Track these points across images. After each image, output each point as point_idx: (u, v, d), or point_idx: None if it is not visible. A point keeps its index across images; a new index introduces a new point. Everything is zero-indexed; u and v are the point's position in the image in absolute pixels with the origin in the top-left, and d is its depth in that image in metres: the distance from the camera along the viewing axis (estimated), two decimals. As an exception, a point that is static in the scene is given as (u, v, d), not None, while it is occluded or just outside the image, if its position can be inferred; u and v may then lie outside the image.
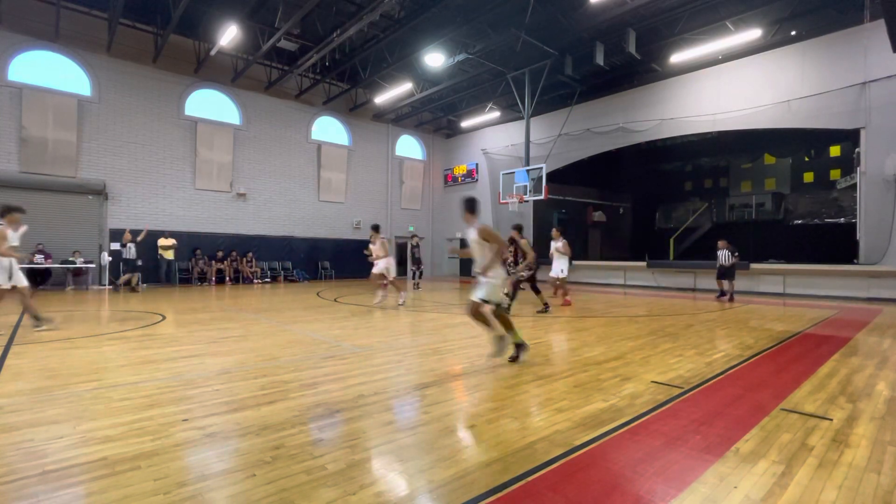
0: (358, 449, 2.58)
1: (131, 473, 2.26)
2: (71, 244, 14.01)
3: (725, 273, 11.77)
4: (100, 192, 14.57)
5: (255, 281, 17.17)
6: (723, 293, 11.91)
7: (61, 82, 14.13)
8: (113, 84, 14.88)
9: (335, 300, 11.19)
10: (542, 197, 15.99)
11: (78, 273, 14.15)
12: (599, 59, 14.50)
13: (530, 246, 8.76)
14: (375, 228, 9.95)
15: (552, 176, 17.59)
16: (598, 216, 23.24)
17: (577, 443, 2.66)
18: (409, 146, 23.51)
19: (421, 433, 2.83)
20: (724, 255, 11.75)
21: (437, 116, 22.63)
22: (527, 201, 17.04)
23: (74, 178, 14.20)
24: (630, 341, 5.92)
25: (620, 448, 2.61)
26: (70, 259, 13.86)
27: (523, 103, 16.97)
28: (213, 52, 14.52)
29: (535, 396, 3.59)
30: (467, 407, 3.38)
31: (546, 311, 8.63)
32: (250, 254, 17.33)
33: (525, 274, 8.76)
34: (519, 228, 8.92)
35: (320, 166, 19.85)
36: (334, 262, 19.84)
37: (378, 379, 4.06)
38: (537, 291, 9.06)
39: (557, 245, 10.40)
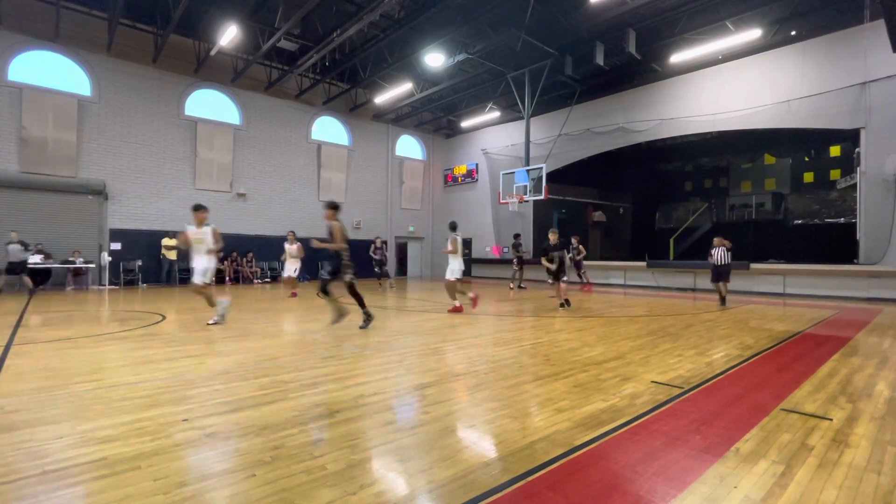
0: (358, 449, 2.58)
1: (131, 473, 2.26)
2: (71, 244, 14.02)
3: (721, 274, 10.32)
4: (100, 192, 14.57)
5: (255, 281, 17.17)
6: (724, 300, 10.46)
7: (61, 82, 14.14)
8: (113, 84, 14.88)
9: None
10: (542, 197, 15.99)
11: (78, 273, 14.15)
12: (599, 59, 14.51)
13: (343, 231, 6.59)
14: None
15: (552, 176, 17.61)
16: (598, 216, 23.24)
17: (577, 443, 2.66)
18: (409, 146, 23.51)
19: (421, 433, 2.83)
20: (719, 254, 10.21)
21: (437, 116, 22.63)
22: (527, 201, 17.05)
23: (74, 177, 14.21)
24: (630, 341, 5.92)
25: (620, 448, 2.61)
26: (70, 259, 13.87)
27: (523, 103, 16.98)
28: (213, 53, 14.52)
29: (536, 396, 3.59)
30: (467, 407, 3.38)
31: (339, 321, 6.85)
32: (250, 254, 17.33)
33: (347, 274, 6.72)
34: (332, 206, 6.63)
35: (320, 166, 19.85)
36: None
37: (378, 379, 4.06)
38: (328, 294, 6.79)
39: (446, 244, 8.93)
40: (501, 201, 17.90)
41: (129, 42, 14.88)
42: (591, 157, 18.45)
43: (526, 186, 16.50)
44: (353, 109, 20.42)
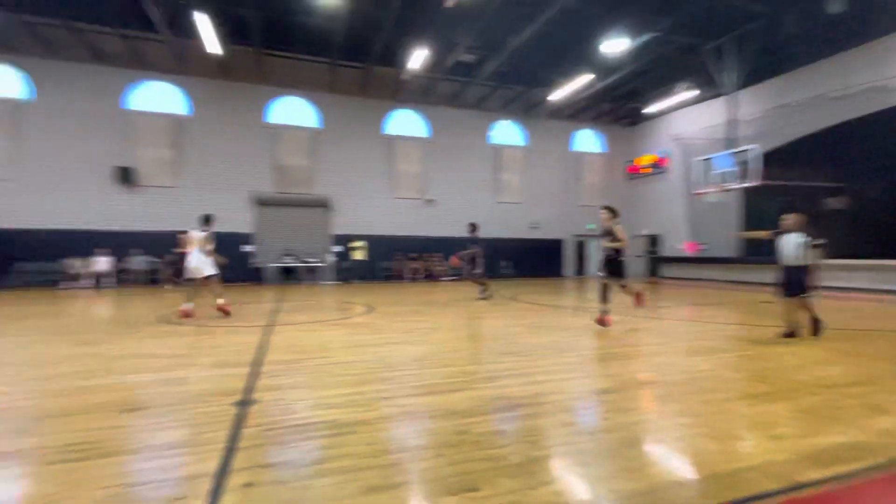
0: (537, 446, 2.62)
1: (350, 436, 2.75)
2: (308, 248, 17.60)
3: (796, 285, 5.69)
4: (326, 205, 17.94)
5: (442, 278, 18.76)
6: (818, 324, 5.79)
7: (300, 119, 17.88)
8: (335, 115, 18.14)
9: (513, 298, 11.44)
10: (754, 183, 13.52)
11: (312, 270, 17.67)
12: (836, 7, 11.52)
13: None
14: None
15: (768, 157, 14.69)
16: (837, 203, 18.41)
17: (802, 479, 2.20)
18: (587, 140, 22.55)
19: (602, 439, 2.73)
20: (792, 244, 5.70)
21: (618, 105, 21.14)
22: (730, 190, 14.63)
23: (309, 194, 17.78)
24: (886, 362, 4.57)
25: (869, 498, 2.06)
26: (307, 259, 17.44)
27: (725, 77, 14.61)
28: (406, 77, 16.41)
29: (743, 417, 3.09)
30: (654, 418, 3.11)
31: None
32: (440, 254, 19.02)
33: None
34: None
35: (498, 169, 20.58)
36: (514, 262, 20.33)
37: (556, 379, 4.03)
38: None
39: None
40: (697, 192, 15.75)
41: (344, 79, 17.87)
42: (825, 128, 14.76)
43: (729, 173, 14.17)
44: (529, 110, 20.58)
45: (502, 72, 17.70)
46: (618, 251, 6.57)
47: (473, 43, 15.44)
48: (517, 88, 19.23)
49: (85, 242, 14.70)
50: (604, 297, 6.59)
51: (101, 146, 15.38)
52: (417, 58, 14.22)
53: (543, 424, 2.96)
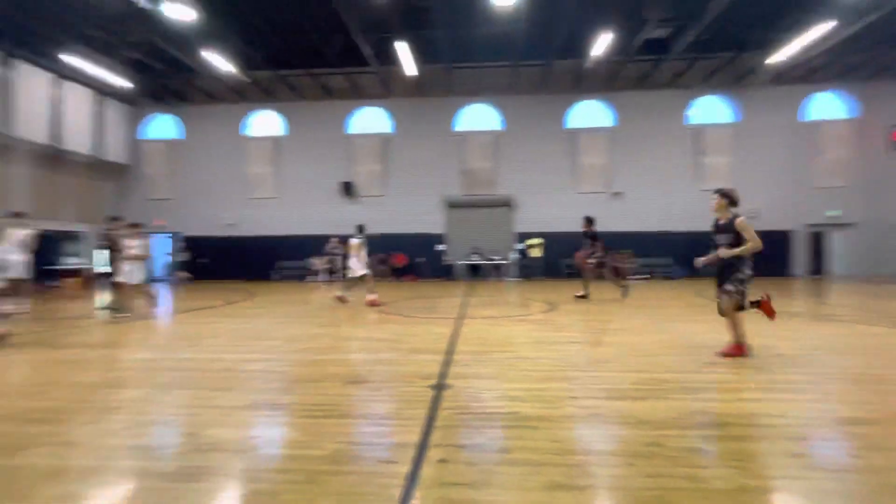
0: (751, 474, 2.24)
1: (532, 431, 2.80)
2: (492, 246, 18.38)
3: None
4: (509, 204, 18.46)
5: (630, 277, 17.34)
6: None
7: (484, 124, 18.80)
8: (516, 116, 18.51)
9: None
10: None
11: (496, 268, 18.41)
12: None
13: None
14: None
15: None
16: None
17: None
18: (825, 105, 17.96)
19: (851, 481, 2.18)
20: None
21: (876, 55, 16.21)
22: None
23: (493, 195, 18.54)
24: None
25: None
26: (492, 257, 18.25)
27: None
28: (588, 66, 15.70)
29: None
30: (939, 468, 2.32)
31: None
32: (628, 250, 17.65)
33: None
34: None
35: (700, 152, 18.03)
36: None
37: (779, 399, 3.36)
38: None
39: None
40: None
41: (525, 79, 17.99)
42: None
43: None
44: (740, 79, 17.42)
45: (703, 41, 15.37)
46: (739, 258, 4.44)
47: (666, 14, 13.81)
48: (723, 56, 16.48)
49: (322, 245, 18.29)
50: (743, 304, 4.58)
51: (330, 166, 18.92)
52: (601, 44, 13.46)
53: (759, 450, 2.51)
